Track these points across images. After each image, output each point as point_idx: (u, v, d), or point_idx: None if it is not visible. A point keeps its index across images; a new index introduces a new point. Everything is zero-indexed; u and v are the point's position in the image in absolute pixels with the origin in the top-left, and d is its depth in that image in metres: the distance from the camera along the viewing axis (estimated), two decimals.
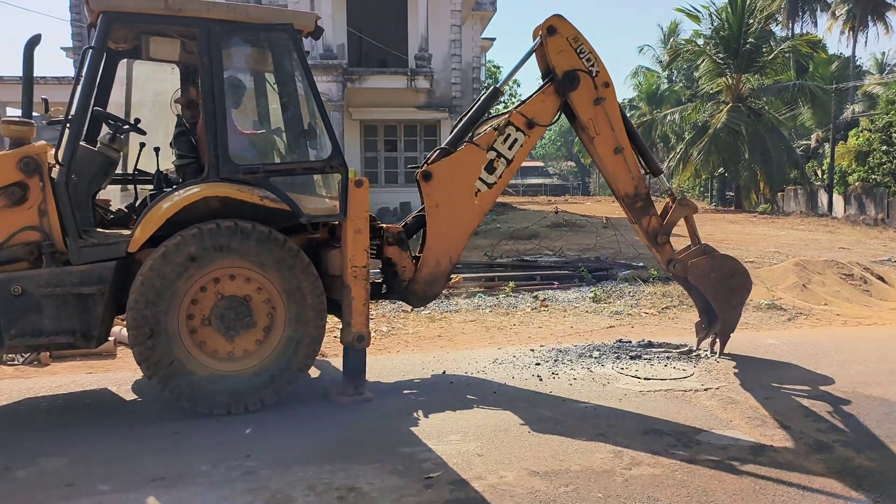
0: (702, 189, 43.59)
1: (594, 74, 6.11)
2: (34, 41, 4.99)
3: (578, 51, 6.07)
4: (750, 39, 30.06)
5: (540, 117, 6.09)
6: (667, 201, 6.64)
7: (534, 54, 6.21)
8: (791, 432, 4.73)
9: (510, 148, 5.99)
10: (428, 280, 5.86)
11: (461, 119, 6.24)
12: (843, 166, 29.45)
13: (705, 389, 5.64)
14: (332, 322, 6.39)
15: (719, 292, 6.41)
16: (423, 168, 5.88)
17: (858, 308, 9.39)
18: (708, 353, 6.67)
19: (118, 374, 6.22)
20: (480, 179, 5.93)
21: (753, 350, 6.89)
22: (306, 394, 5.50)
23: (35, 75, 5.11)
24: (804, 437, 4.65)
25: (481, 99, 6.24)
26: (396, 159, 22.09)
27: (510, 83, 41.92)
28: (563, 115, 6.34)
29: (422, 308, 8.84)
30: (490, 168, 5.95)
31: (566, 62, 6.05)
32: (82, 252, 4.77)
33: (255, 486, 3.87)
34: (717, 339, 6.66)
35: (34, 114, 5.16)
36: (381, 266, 5.94)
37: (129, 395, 5.61)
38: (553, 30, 6.03)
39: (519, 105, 6.19)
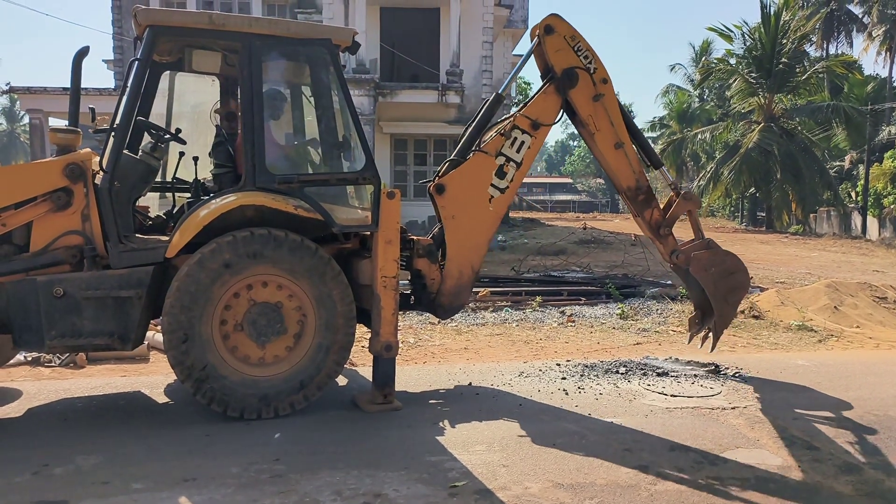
0: (732, 209, 43.17)
1: (592, 71, 6.12)
2: (83, 53, 5.18)
3: (576, 49, 6.09)
4: (783, 59, 29.80)
5: (543, 117, 6.13)
6: (671, 195, 6.62)
7: (533, 55, 6.26)
8: (819, 453, 4.69)
9: (518, 151, 6.04)
10: (453, 291, 5.92)
11: (467, 128, 6.24)
12: (877, 188, 29.01)
13: (733, 408, 5.60)
14: (361, 332, 6.48)
15: (718, 288, 6.37)
16: (436, 181, 5.94)
17: (892, 331, 9.23)
18: (728, 368, 6.62)
19: (151, 377, 6.35)
20: (493, 185, 5.97)
21: (783, 371, 6.83)
22: (335, 401, 5.59)
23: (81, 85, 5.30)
24: (833, 458, 4.61)
25: (485, 106, 6.24)
26: (426, 173, 22.20)
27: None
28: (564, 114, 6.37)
29: (448, 320, 8.90)
30: (501, 173, 5.99)
31: (564, 60, 6.08)
32: (122, 256, 4.92)
33: (283, 489, 3.94)
34: (710, 335, 6.64)
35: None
36: (410, 277, 6.01)
37: (162, 398, 5.74)
38: (550, 29, 6.06)
39: (522, 108, 6.23)
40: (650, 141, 7.10)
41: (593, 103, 6.16)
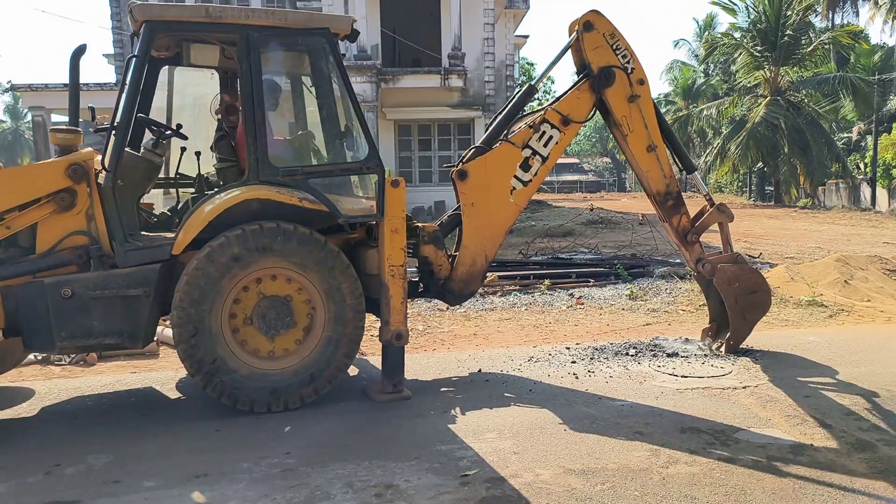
0: (740, 184, 42.93)
1: (629, 71, 6.06)
2: (80, 51, 5.15)
3: (614, 47, 6.03)
4: (788, 31, 29.53)
5: (575, 114, 6.07)
6: (704, 204, 6.58)
7: (569, 50, 6.20)
8: (832, 431, 4.66)
9: (545, 145, 5.99)
10: (464, 279, 5.90)
11: (496, 117, 6.24)
12: (886, 159, 28.74)
13: (744, 387, 5.58)
14: (370, 320, 6.47)
15: (739, 303, 6.32)
16: (459, 167, 5.90)
17: None
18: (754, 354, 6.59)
19: (161, 373, 6.38)
20: (516, 177, 5.93)
21: (793, 347, 6.79)
22: (345, 392, 5.59)
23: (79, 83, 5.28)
24: (845, 435, 4.58)
25: (516, 96, 6.23)
26: (430, 158, 22.17)
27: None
28: (597, 112, 6.32)
29: (457, 307, 8.89)
30: (525, 166, 5.95)
31: (602, 58, 6.02)
32: (128, 255, 4.91)
33: (294, 482, 3.95)
34: (723, 347, 6.56)
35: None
36: (417, 265, 5.99)
37: (172, 394, 5.76)
38: (590, 25, 6.00)
39: (554, 102, 6.17)
40: None
41: (628, 104, 6.09)
